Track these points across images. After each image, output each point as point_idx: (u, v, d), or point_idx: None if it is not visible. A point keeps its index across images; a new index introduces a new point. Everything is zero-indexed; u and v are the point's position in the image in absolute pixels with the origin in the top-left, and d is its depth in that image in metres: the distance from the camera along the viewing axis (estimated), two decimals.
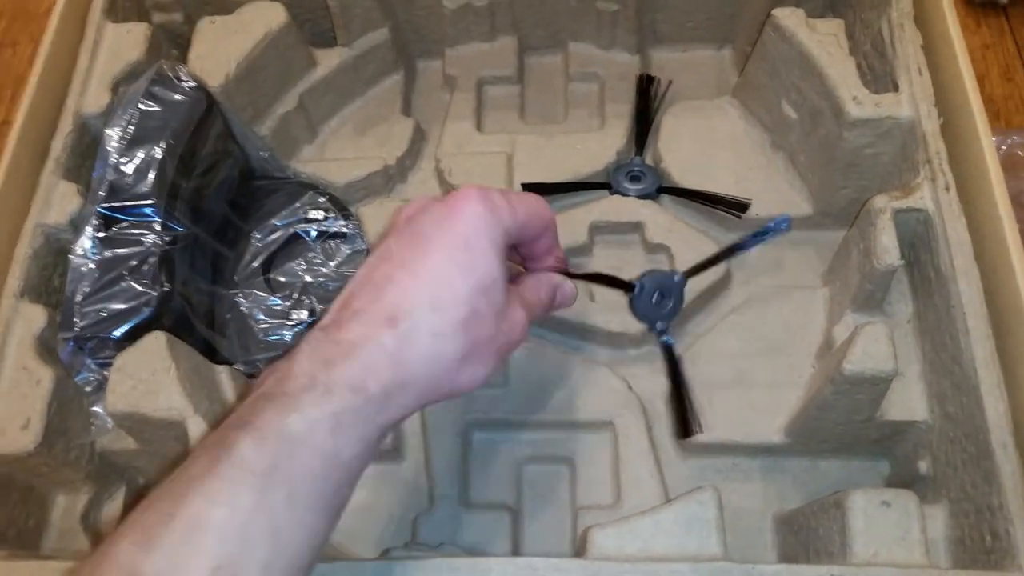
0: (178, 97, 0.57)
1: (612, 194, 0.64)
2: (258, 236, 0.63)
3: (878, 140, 0.54)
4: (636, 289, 0.54)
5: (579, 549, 0.43)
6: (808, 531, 0.47)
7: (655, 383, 0.57)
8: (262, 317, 0.60)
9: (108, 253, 0.53)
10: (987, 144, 0.49)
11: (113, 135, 0.56)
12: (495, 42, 0.71)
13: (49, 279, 0.56)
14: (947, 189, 0.50)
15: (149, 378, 0.48)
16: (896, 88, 0.54)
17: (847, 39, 0.57)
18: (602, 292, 0.60)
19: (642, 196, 0.63)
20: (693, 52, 0.72)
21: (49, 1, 0.89)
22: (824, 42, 0.56)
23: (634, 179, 0.64)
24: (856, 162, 0.56)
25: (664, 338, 0.55)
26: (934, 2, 0.56)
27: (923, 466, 0.49)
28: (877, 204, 0.50)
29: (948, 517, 0.46)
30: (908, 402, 0.49)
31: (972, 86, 0.51)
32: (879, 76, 0.57)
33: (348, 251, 0.63)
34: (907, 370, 0.50)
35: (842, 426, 0.50)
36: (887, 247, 0.49)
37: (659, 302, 0.55)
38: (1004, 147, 0.71)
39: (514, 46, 0.71)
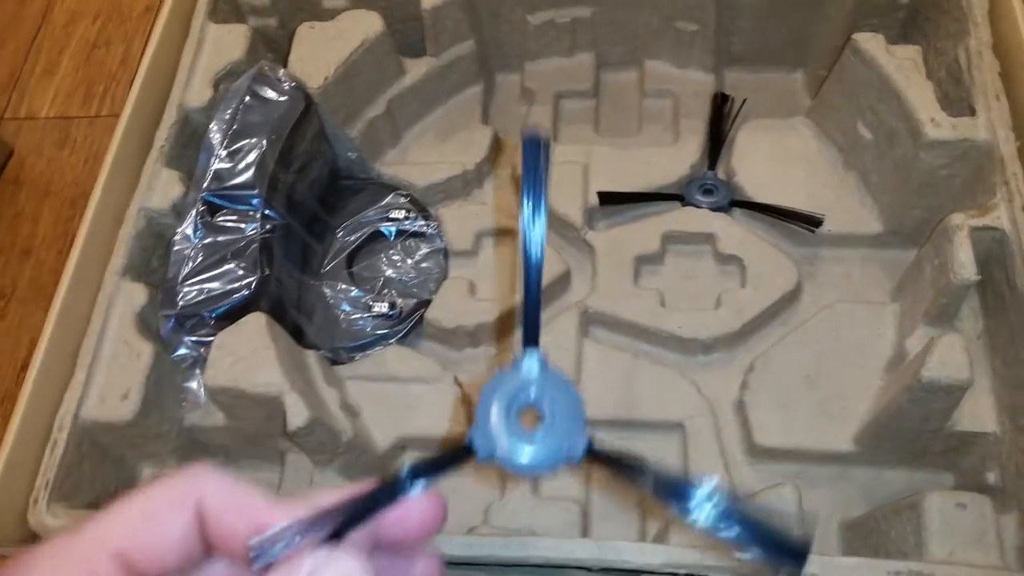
0: (279, 96, 0.60)
1: (684, 206, 0.66)
2: (343, 232, 0.66)
3: (954, 161, 0.55)
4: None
5: (659, 538, 0.45)
6: (879, 534, 0.48)
7: (724, 388, 0.59)
8: (346, 307, 0.62)
9: (210, 239, 0.56)
10: None
11: (217, 128, 0.59)
12: (573, 57, 0.74)
13: (149, 260, 0.59)
14: (1023, 209, 0.51)
15: (249, 355, 0.51)
16: (973, 112, 0.56)
17: (923, 64, 0.59)
18: (672, 298, 0.62)
19: (715, 209, 0.65)
20: (766, 74, 0.74)
21: (142, 4, 0.93)
22: (903, 66, 0.58)
23: (707, 192, 0.66)
24: (931, 182, 0.57)
25: None
26: (1013, 32, 0.57)
27: (991, 477, 0.50)
28: (954, 221, 0.52)
29: (1018, 527, 0.47)
30: (978, 414, 0.51)
31: None
32: (954, 101, 0.59)
33: (427, 249, 0.66)
34: (977, 384, 0.51)
35: (912, 435, 0.51)
36: (964, 262, 0.50)
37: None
38: None
39: (592, 62, 0.74)
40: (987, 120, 0.55)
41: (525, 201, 0.35)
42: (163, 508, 0.25)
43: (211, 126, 0.59)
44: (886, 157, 0.60)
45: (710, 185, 0.66)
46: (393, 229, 0.66)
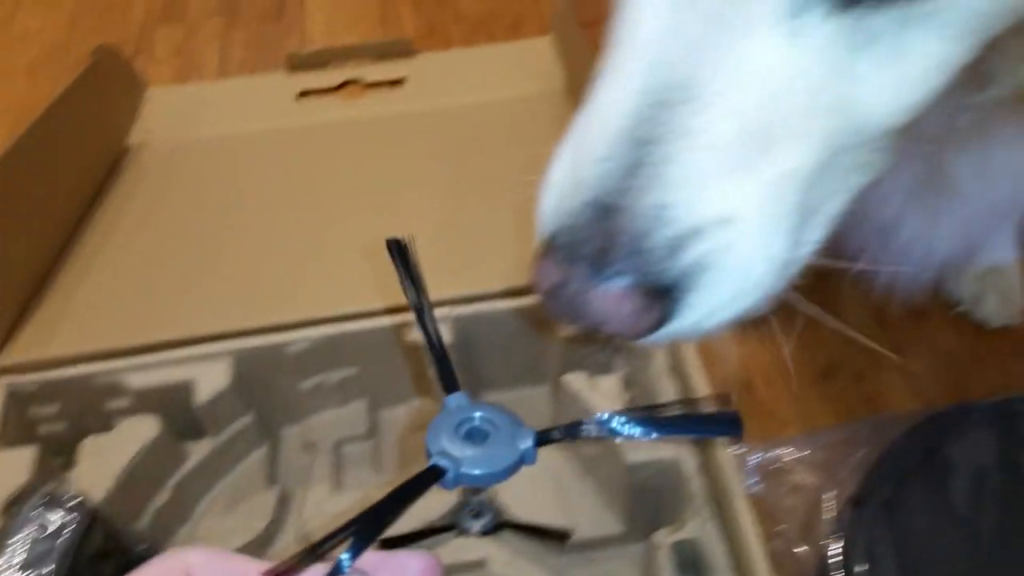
0: (65, 516, 0.66)
1: (458, 535, 0.73)
2: None
3: (652, 477, 0.66)
4: None
5: None
6: None
7: None
8: None
9: None
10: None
11: (5, 562, 0.63)
12: (349, 406, 0.83)
13: None
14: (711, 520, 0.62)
15: None
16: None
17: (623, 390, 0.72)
18: None
19: (485, 532, 0.73)
20: (517, 391, 0.86)
21: None
22: (607, 395, 0.70)
23: (476, 516, 0.74)
24: (640, 493, 0.68)
25: None
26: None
27: None
28: (655, 539, 0.62)
29: None
30: None
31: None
32: None
33: None
34: None
35: None
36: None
37: None
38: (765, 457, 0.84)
39: (365, 407, 0.83)
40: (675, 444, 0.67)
41: (408, 290, 0.45)
42: None
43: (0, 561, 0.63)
44: (611, 468, 0.71)
45: (477, 508, 0.75)
46: None
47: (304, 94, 1.18)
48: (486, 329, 0.79)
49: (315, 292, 0.82)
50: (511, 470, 0.41)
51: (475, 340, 0.79)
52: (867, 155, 0.40)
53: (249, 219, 0.94)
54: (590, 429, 0.40)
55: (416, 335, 0.71)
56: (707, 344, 0.72)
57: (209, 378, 0.74)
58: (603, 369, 0.75)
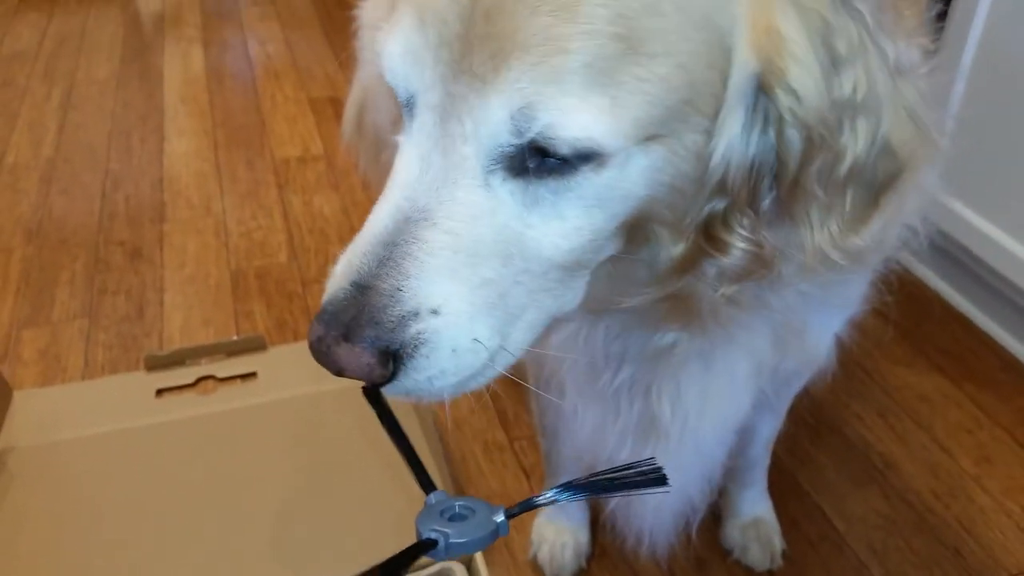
0: None
1: None
2: None
3: None
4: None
5: None
6: None
7: None
8: None
9: None
10: None
11: None
12: None
13: None
14: None
15: None
16: None
17: None
18: None
19: None
20: None
21: None
22: None
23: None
24: None
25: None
26: None
27: None
28: None
29: None
30: None
31: None
32: None
33: None
34: None
35: None
36: None
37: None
38: None
39: None
40: None
41: (385, 423, 0.59)
42: None
43: None
44: None
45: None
46: None
47: (162, 392, 1.31)
48: None
49: None
50: (491, 539, 0.54)
51: None
52: (549, 282, 0.56)
53: (117, 518, 1.03)
54: (543, 500, 0.54)
55: None
56: None
57: None
58: None
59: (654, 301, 0.63)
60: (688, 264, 0.60)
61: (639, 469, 0.54)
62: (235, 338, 1.45)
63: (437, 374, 0.54)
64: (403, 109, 0.56)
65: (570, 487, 0.55)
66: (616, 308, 0.64)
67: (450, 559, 0.61)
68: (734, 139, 0.54)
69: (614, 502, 0.96)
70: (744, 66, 0.52)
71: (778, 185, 0.56)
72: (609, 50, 0.49)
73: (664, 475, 0.54)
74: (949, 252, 1.51)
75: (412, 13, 0.53)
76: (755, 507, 1.16)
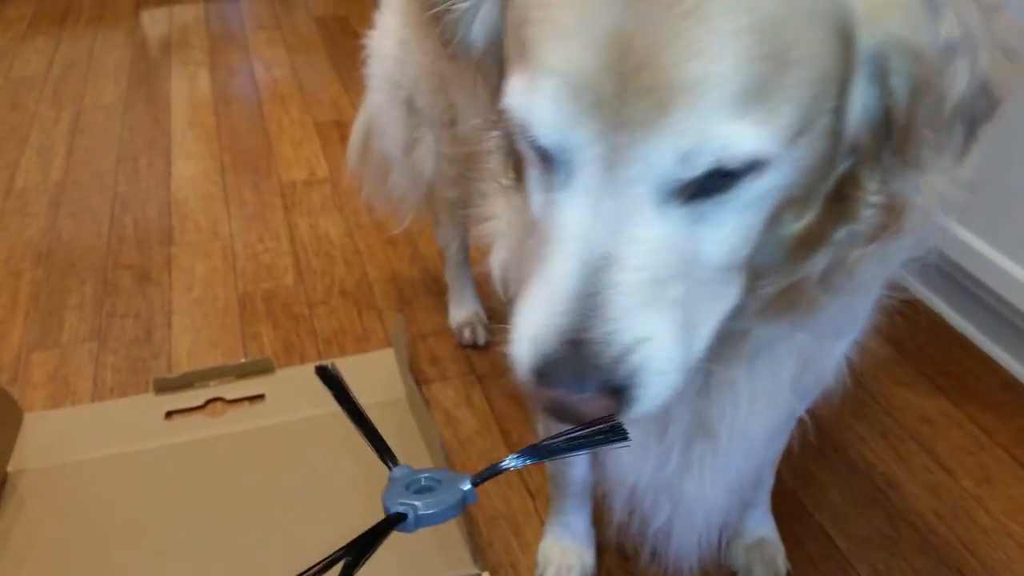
0: None
1: None
2: None
3: None
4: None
5: None
6: None
7: None
8: None
9: None
10: None
11: None
12: None
13: None
14: None
15: None
16: None
17: None
18: None
19: None
20: None
21: None
22: None
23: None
24: None
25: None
26: None
27: None
28: None
29: None
30: None
31: None
32: None
33: None
34: None
35: None
36: None
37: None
38: None
39: None
40: None
41: (343, 404, 0.60)
42: None
43: None
44: None
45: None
46: None
47: (171, 414, 1.33)
48: None
49: None
50: (459, 506, 0.55)
51: None
52: (716, 286, 0.60)
53: (126, 541, 1.05)
54: (508, 465, 0.56)
55: None
56: None
57: None
58: None
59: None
60: (815, 238, 0.64)
61: (599, 427, 0.57)
62: (243, 360, 1.47)
63: (653, 395, 0.58)
64: (555, 164, 0.59)
65: (534, 450, 0.57)
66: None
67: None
68: (859, 107, 0.58)
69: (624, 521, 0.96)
70: (864, 39, 0.56)
71: (892, 133, 0.60)
72: (760, 70, 0.53)
73: (625, 429, 0.56)
74: (947, 273, 1.53)
75: (559, 83, 0.55)
76: (759, 527, 1.17)
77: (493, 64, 0.67)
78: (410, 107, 1.32)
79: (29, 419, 1.31)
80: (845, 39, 0.56)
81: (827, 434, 1.35)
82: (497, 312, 1.55)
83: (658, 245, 0.57)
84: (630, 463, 0.88)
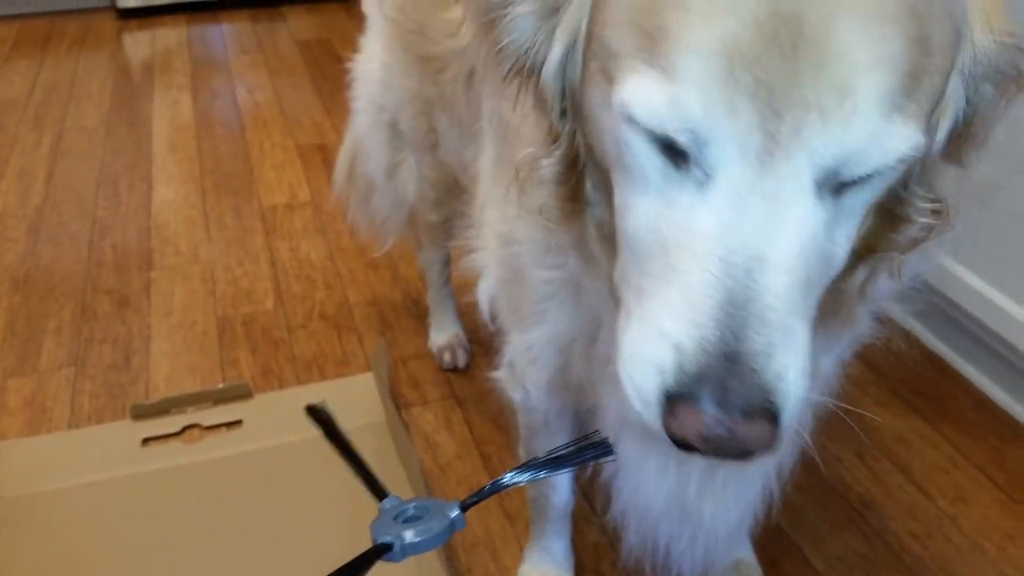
0: None
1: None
2: None
3: None
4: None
5: None
6: None
7: None
8: None
9: None
10: None
11: None
12: None
13: None
14: None
15: None
16: None
17: None
18: None
19: None
20: None
21: None
22: None
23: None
24: None
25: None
26: None
27: None
28: None
29: None
30: None
31: None
32: None
33: None
34: None
35: None
36: None
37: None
38: None
39: None
40: None
41: (334, 443, 0.62)
42: None
43: None
44: None
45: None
46: None
47: (147, 441, 1.32)
48: None
49: None
50: (447, 534, 0.54)
51: None
52: (823, 290, 0.55)
53: (102, 569, 1.04)
54: (507, 482, 0.54)
55: None
56: None
57: None
58: None
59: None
60: (869, 245, 0.61)
61: (588, 443, 0.55)
62: (221, 386, 1.47)
63: (796, 415, 0.52)
64: (691, 162, 0.52)
65: (528, 467, 0.55)
66: None
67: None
68: (950, 104, 0.56)
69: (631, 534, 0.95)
70: (975, 39, 0.55)
71: (959, 132, 0.58)
72: (915, 54, 0.50)
73: (610, 444, 0.55)
74: (922, 294, 1.54)
75: (710, 66, 0.49)
76: (736, 549, 1.17)
77: (556, 82, 0.60)
78: (394, 130, 1.32)
79: (4, 447, 1.30)
80: (960, 35, 0.54)
81: (803, 454, 1.36)
82: (478, 335, 1.56)
83: (807, 247, 0.51)
84: (651, 489, 0.84)
